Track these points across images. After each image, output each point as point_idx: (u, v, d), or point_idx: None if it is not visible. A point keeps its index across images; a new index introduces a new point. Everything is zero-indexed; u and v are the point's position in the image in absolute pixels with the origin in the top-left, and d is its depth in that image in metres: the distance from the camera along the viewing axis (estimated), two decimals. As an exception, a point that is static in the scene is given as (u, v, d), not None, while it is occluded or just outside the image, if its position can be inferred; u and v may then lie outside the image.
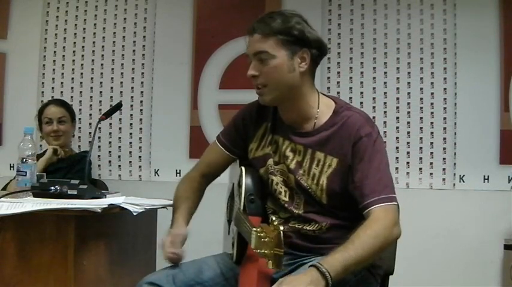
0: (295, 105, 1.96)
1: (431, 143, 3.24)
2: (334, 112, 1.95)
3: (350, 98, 3.31)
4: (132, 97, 3.59)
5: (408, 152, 3.26)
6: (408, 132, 3.27)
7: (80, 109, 3.64)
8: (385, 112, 3.29)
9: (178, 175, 3.51)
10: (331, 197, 1.91)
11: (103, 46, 3.63)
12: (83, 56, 3.66)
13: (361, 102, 3.31)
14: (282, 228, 1.51)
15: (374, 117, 3.27)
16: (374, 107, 3.30)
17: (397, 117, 3.28)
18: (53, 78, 3.69)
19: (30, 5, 3.71)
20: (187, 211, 2.07)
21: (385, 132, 3.28)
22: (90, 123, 3.61)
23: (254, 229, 1.59)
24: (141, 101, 3.58)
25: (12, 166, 3.53)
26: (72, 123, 3.39)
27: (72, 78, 3.67)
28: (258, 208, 1.97)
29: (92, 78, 3.64)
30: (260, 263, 1.83)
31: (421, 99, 3.26)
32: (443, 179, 3.22)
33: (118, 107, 3.25)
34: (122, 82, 3.61)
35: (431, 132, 3.24)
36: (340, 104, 1.98)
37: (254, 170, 2.02)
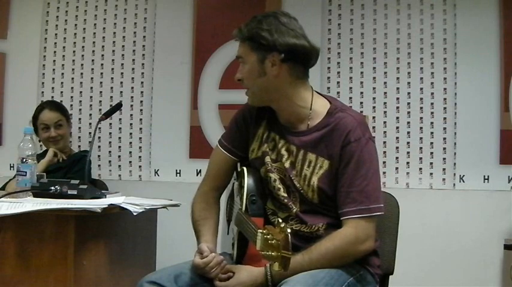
0: (283, 106, 1.97)
1: (431, 143, 3.24)
2: (328, 113, 1.95)
3: (350, 98, 3.31)
4: (132, 97, 3.59)
5: (408, 152, 3.26)
6: (408, 132, 3.27)
7: (80, 109, 3.64)
8: (385, 112, 3.29)
9: (178, 175, 3.51)
10: (322, 197, 1.92)
11: (103, 46, 3.63)
12: (83, 56, 3.66)
13: (361, 102, 3.31)
14: (289, 230, 1.51)
15: (374, 117, 3.27)
16: (374, 107, 3.30)
17: (397, 117, 3.28)
18: (53, 78, 3.69)
19: (30, 5, 3.71)
20: (210, 232, 2.05)
21: (385, 132, 3.28)
22: (90, 123, 3.61)
23: (260, 230, 1.59)
24: (141, 101, 3.58)
25: (12, 166, 3.53)
26: (68, 124, 3.38)
27: (72, 78, 3.66)
28: (259, 209, 1.97)
29: (92, 78, 3.64)
30: (263, 263, 1.83)
31: (421, 99, 3.26)
32: (443, 179, 3.22)
33: (118, 107, 3.25)
34: (121, 82, 3.61)
35: (431, 132, 3.24)
36: (335, 105, 1.98)
37: (255, 170, 2.03)
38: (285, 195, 1.96)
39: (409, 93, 3.27)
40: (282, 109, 1.98)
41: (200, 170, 3.39)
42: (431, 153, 3.24)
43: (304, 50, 1.94)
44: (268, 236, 1.54)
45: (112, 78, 3.62)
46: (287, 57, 1.91)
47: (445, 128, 3.23)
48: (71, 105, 3.62)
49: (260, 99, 1.99)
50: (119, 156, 3.60)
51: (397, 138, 3.27)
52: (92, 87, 3.64)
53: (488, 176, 3.17)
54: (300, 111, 1.96)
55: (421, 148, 3.25)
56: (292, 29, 1.93)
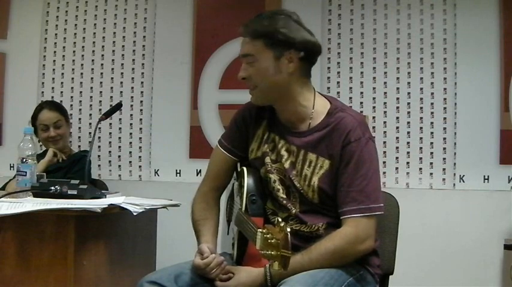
0: (287, 106, 1.97)
1: (431, 143, 3.24)
2: (328, 113, 1.95)
3: (350, 98, 3.31)
4: (132, 97, 3.59)
5: (408, 152, 3.26)
6: (408, 132, 3.27)
7: (80, 109, 3.64)
8: (385, 112, 3.29)
9: (178, 175, 3.51)
10: (322, 197, 1.92)
11: (103, 46, 3.63)
12: (83, 56, 3.66)
13: (361, 102, 3.31)
14: (289, 229, 1.51)
15: (374, 117, 3.27)
16: (374, 107, 3.30)
17: (397, 117, 3.28)
18: (53, 78, 3.69)
19: (30, 5, 3.71)
20: (210, 232, 2.05)
21: (385, 132, 3.28)
22: (90, 123, 3.61)
23: (260, 230, 1.59)
24: (141, 101, 3.58)
25: (12, 166, 3.53)
26: (67, 123, 3.38)
27: (72, 78, 3.66)
28: (259, 209, 1.98)
29: (92, 78, 3.64)
30: (263, 263, 1.83)
31: (421, 99, 3.26)
32: (443, 179, 3.22)
33: (118, 107, 3.25)
34: (121, 82, 3.61)
35: (431, 132, 3.24)
36: (335, 105, 1.98)
37: (255, 170, 2.03)
38: (284, 197, 1.96)
39: (409, 93, 3.27)
40: (286, 108, 1.98)
41: (200, 170, 3.39)
42: (431, 153, 3.24)
43: (316, 48, 1.96)
44: (268, 236, 1.54)
45: (112, 78, 3.62)
46: (305, 55, 1.92)
47: (445, 128, 3.23)
48: (71, 105, 3.62)
49: (268, 97, 1.96)
50: (119, 156, 3.60)
51: (397, 138, 3.27)
52: (92, 87, 3.64)
53: (488, 176, 3.17)
54: (302, 111, 1.96)
55: (421, 148, 3.25)
56: (304, 27, 1.95)
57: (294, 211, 1.95)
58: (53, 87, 3.68)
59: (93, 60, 3.65)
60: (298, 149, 1.95)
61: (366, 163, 1.88)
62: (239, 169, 2.10)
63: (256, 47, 1.92)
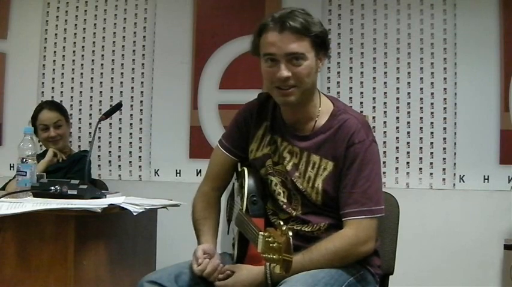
0: (304, 106, 1.95)
1: (431, 143, 3.24)
2: (331, 115, 1.95)
3: (350, 98, 3.31)
4: (132, 97, 3.59)
5: (408, 152, 3.26)
6: (408, 132, 3.27)
7: (80, 109, 3.64)
8: (385, 112, 3.29)
9: (178, 175, 3.51)
10: (326, 199, 1.92)
11: (103, 46, 3.63)
12: (83, 56, 3.66)
13: (361, 102, 3.31)
14: (291, 233, 1.50)
15: (374, 117, 3.27)
16: (374, 107, 3.30)
17: (397, 117, 3.28)
18: (53, 78, 3.69)
19: (30, 5, 3.71)
20: (211, 232, 2.05)
21: (385, 132, 3.28)
22: (90, 123, 3.61)
23: (261, 233, 1.58)
24: (141, 101, 3.58)
25: (12, 166, 3.53)
26: (67, 123, 3.38)
27: (72, 78, 3.67)
28: (260, 209, 1.97)
29: (92, 78, 3.64)
30: (263, 263, 1.83)
31: (421, 99, 3.26)
32: (443, 179, 3.22)
33: (118, 107, 3.25)
34: (121, 82, 3.61)
35: (431, 132, 3.24)
36: (338, 106, 1.98)
37: (256, 171, 2.03)
38: (284, 201, 1.96)
39: (409, 93, 3.27)
40: (302, 109, 1.95)
41: (200, 170, 3.39)
42: (431, 153, 3.24)
43: None
44: (270, 239, 1.53)
45: (112, 78, 3.62)
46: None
47: (445, 128, 3.23)
48: (71, 105, 3.62)
49: (302, 97, 1.91)
50: (119, 156, 3.60)
51: (397, 138, 3.28)
52: (92, 87, 3.64)
53: (488, 176, 3.17)
54: (313, 111, 1.96)
55: (421, 148, 3.25)
56: None
57: (294, 213, 1.95)
58: (53, 87, 3.68)
59: (93, 60, 3.65)
60: (301, 151, 1.95)
61: (369, 164, 1.88)
62: (240, 169, 2.10)
63: (305, 45, 1.86)
